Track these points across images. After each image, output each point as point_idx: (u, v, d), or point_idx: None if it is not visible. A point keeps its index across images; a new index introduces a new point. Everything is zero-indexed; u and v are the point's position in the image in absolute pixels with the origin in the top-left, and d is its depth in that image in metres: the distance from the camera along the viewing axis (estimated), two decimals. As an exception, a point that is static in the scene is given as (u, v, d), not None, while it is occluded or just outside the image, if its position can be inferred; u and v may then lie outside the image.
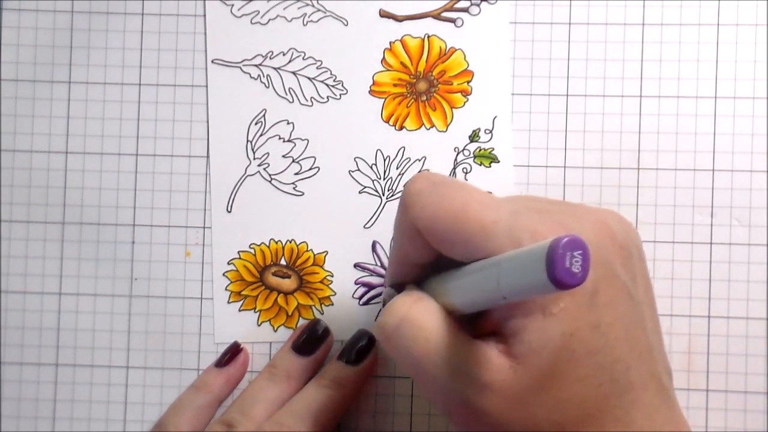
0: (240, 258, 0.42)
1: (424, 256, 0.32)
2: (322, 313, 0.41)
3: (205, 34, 0.42)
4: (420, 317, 0.30)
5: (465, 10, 0.42)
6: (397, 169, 0.41)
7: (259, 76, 0.42)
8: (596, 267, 0.28)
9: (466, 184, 0.31)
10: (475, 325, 0.30)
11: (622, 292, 0.29)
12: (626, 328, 0.29)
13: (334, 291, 0.41)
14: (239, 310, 0.42)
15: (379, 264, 0.41)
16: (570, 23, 0.41)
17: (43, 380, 0.42)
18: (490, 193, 0.31)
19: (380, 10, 0.42)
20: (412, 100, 0.42)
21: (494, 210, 0.29)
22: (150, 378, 0.41)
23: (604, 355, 0.28)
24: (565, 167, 0.41)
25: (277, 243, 0.42)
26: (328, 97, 0.42)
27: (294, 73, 0.42)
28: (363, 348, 0.40)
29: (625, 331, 0.29)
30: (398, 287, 0.33)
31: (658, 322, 0.32)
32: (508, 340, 0.28)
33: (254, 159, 0.42)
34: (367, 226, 0.41)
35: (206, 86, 0.42)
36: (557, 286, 0.23)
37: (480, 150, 0.41)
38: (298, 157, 0.42)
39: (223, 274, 0.42)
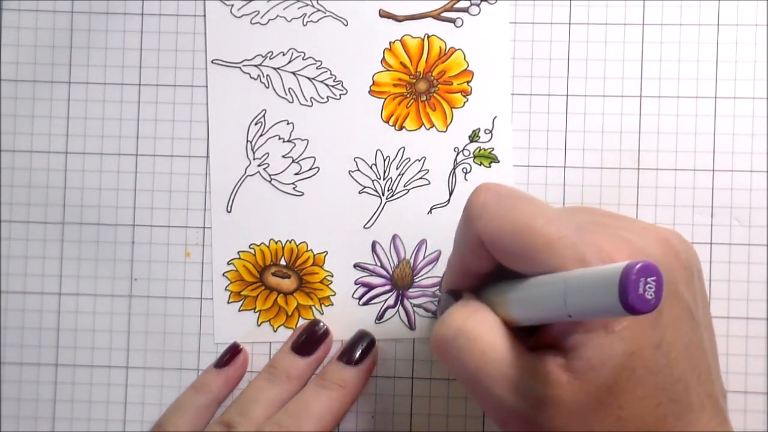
0: (240, 258, 0.42)
1: (486, 266, 0.32)
2: (322, 313, 0.41)
3: (205, 34, 0.42)
4: (476, 329, 0.30)
5: (465, 10, 0.41)
6: (396, 169, 0.41)
7: (259, 76, 0.42)
8: None
9: (530, 197, 0.31)
10: (531, 337, 0.30)
11: (684, 312, 0.29)
12: (687, 348, 0.29)
13: (333, 291, 0.41)
14: (239, 311, 0.42)
15: (378, 264, 0.41)
16: (570, 23, 0.41)
17: (43, 380, 0.42)
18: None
19: (380, 10, 0.42)
20: (412, 100, 0.42)
21: (559, 224, 0.29)
22: (150, 378, 0.41)
23: (664, 375, 0.28)
24: (565, 167, 0.41)
25: (276, 243, 0.42)
26: (327, 97, 0.42)
27: (294, 73, 0.42)
28: (363, 349, 0.40)
29: (686, 351, 0.29)
30: (455, 294, 0.33)
31: (715, 344, 0.31)
32: (568, 354, 0.28)
33: (254, 159, 0.42)
34: (366, 226, 0.41)
35: (206, 86, 0.42)
36: (629, 312, 0.23)
37: (480, 150, 0.41)
38: (298, 157, 0.42)
39: (223, 274, 0.42)
